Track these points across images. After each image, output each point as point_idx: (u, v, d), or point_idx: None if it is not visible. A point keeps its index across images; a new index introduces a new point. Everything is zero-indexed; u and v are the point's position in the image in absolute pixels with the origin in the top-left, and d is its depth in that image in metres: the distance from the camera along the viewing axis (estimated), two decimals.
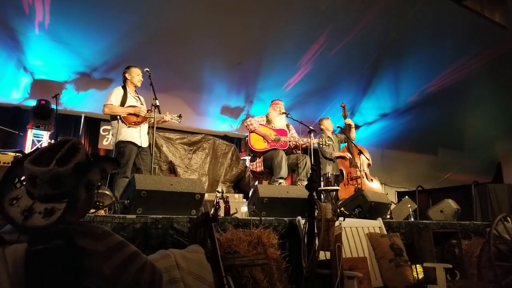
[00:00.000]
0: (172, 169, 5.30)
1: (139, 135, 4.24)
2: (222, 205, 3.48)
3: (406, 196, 5.36)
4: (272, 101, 5.28)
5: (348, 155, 5.49)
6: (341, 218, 2.67)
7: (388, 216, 4.66)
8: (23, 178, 1.18)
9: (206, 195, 3.62)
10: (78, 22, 5.65)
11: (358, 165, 5.38)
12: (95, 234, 1.17)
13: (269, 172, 4.88)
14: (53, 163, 1.14)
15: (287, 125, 5.19)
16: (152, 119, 4.21)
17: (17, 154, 3.40)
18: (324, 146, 5.32)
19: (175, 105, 7.00)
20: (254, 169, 4.97)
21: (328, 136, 5.63)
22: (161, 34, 6.13)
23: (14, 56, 5.99)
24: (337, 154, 5.59)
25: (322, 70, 7.39)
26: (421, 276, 3.17)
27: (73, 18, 5.59)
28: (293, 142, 5.02)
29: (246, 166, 5.79)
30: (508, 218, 4.07)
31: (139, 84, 4.44)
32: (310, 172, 2.84)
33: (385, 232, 3.50)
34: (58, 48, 5.99)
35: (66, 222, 1.12)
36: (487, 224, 4.53)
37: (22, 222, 1.07)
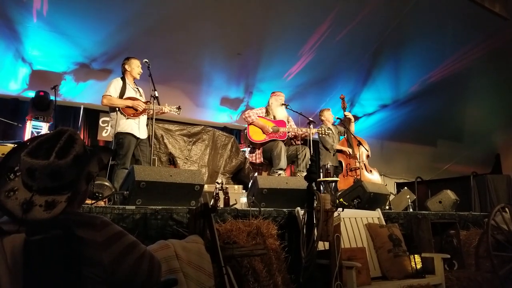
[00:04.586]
0: (171, 161, 5.29)
1: (138, 127, 4.23)
2: (221, 196, 3.49)
3: (405, 187, 5.36)
4: (272, 92, 5.24)
5: (348, 150, 5.48)
6: (340, 209, 2.68)
7: (387, 207, 4.67)
8: (16, 169, 1.17)
9: (206, 186, 3.63)
10: (76, 11, 5.60)
11: (357, 156, 5.38)
12: (94, 224, 1.17)
13: (269, 164, 4.88)
14: (52, 156, 1.12)
15: (287, 118, 5.17)
16: (151, 111, 4.20)
17: (16, 145, 3.39)
18: (324, 135, 5.31)
19: (174, 96, 6.97)
20: (254, 161, 4.97)
21: (328, 127, 5.62)
22: (160, 24, 6.07)
23: (12, 46, 5.94)
24: (338, 147, 5.58)
25: (322, 61, 7.34)
26: (419, 266, 3.19)
27: (71, 7, 5.54)
28: (292, 133, 5.01)
29: (245, 158, 5.79)
30: (506, 209, 4.09)
31: (138, 77, 4.41)
32: (310, 163, 2.84)
33: (384, 223, 3.52)
34: (56, 38, 5.94)
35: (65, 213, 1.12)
36: (485, 214, 4.55)
37: (22, 215, 1.07)
